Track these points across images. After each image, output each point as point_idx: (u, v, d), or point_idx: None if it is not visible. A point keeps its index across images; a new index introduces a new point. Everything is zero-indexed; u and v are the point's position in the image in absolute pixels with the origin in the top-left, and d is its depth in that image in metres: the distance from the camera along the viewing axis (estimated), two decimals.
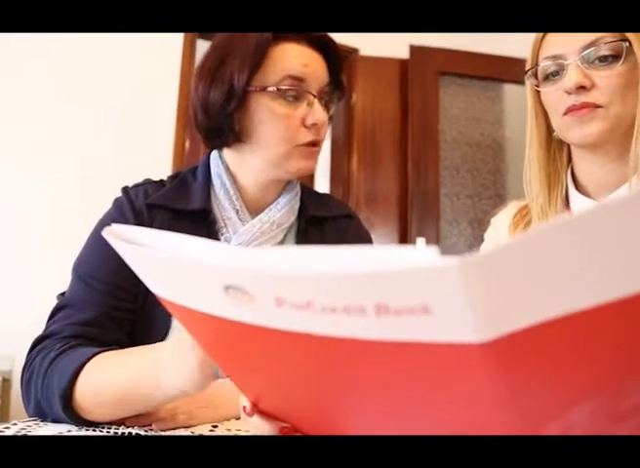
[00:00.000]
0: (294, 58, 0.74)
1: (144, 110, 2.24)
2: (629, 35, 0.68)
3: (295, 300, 0.23)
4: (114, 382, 0.57)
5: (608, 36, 0.69)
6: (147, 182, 0.82)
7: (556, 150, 0.81)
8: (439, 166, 2.55)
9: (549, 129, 0.80)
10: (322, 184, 2.78)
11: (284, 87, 0.73)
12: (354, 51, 2.63)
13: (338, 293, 0.21)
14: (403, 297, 0.21)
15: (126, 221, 0.76)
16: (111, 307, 0.70)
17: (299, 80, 0.73)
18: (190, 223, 0.78)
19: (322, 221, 0.85)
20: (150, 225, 0.77)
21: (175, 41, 2.32)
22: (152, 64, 2.28)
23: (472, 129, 2.63)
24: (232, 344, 0.32)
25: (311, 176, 2.84)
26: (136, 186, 0.81)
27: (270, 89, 0.73)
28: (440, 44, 2.60)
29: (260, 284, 0.23)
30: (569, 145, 0.80)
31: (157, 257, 0.28)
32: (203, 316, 0.30)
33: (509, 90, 2.76)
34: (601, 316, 0.24)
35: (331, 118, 0.82)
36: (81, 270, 0.73)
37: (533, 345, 0.24)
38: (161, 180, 0.84)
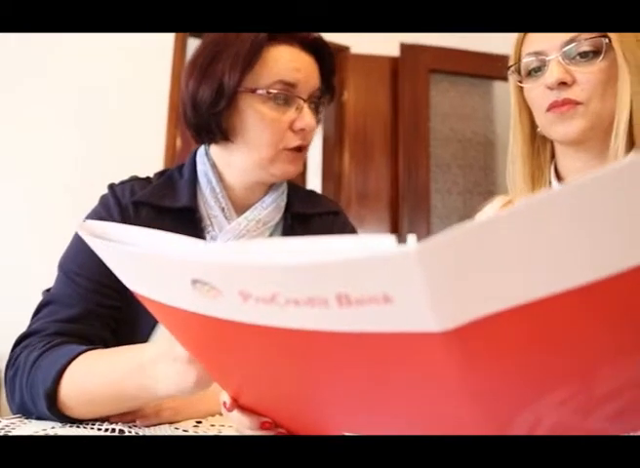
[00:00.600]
0: (287, 63, 0.73)
1: (136, 108, 2.24)
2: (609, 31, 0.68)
3: (259, 293, 0.23)
4: (101, 382, 0.57)
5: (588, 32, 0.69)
6: (134, 179, 0.82)
7: (540, 146, 0.82)
8: (430, 163, 2.56)
9: (533, 125, 0.80)
10: (314, 182, 2.78)
11: (274, 91, 0.73)
12: (345, 49, 2.63)
13: (300, 285, 0.22)
14: (363, 287, 0.21)
15: (112, 218, 0.77)
16: (96, 304, 0.70)
17: (290, 85, 0.73)
18: (176, 221, 0.78)
19: (308, 218, 0.85)
20: (136, 222, 0.77)
21: (166, 39, 2.32)
22: (144, 62, 2.28)
23: (463, 126, 2.64)
24: (206, 339, 0.32)
25: (303, 174, 2.84)
26: (122, 183, 0.81)
27: (260, 91, 0.73)
28: (430, 42, 2.60)
29: (225, 277, 0.23)
30: (552, 141, 0.81)
31: (127, 252, 0.28)
32: (176, 311, 0.30)
33: (499, 87, 2.77)
34: (568, 302, 0.24)
35: (319, 121, 0.82)
36: (67, 267, 0.73)
37: (497, 333, 0.24)
38: (147, 178, 0.84)
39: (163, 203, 0.78)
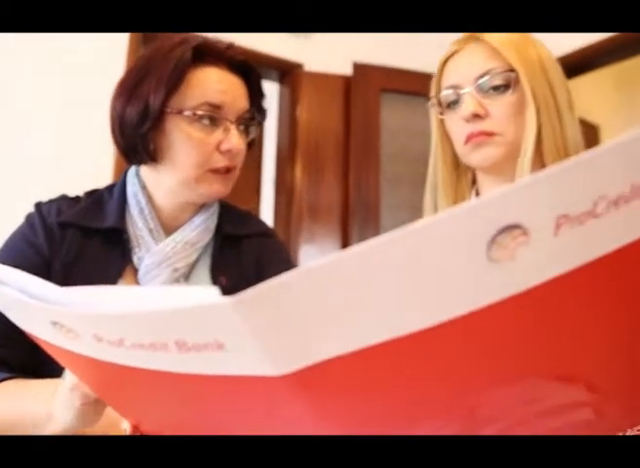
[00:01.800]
0: (213, 84, 0.74)
1: (86, 115, 2.19)
2: (516, 66, 0.72)
3: (109, 337, 0.24)
4: (7, 416, 0.57)
5: (498, 67, 0.73)
6: (62, 198, 0.82)
7: (462, 174, 0.85)
8: (380, 178, 2.61)
9: (455, 154, 0.83)
10: (268, 196, 2.80)
11: (200, 112, 0.73)
12: (299, 66, 2.67)
13: (141, 331, 0.23)
14: (196, 334, 0.22)
15: (36, 238, 0.76)
16: (6, 325, 0.69)
17: (216, 107, 0.74)
18: (104, 242, 0.77)
19: (238, 240, 0.85)
20: (62, 243, 0.76)
21: (119, 42, 2.28)
22: (95, 68, 2.23)
23: (412, 143, 2.70)
24: (83, 372, 0.33)
25: (258, 187, 2.85)
26: (49, 202, 0.80)
27: (186, 113, 0.73)
28: (382, 62, 2.67)
29: (78, 322, 0.25)
30: (474, 169, 0.84)
31: None
32: (52, 346, 0.31)
33: None
34: (410, 345, 0.25)
35: (252, 142, 0.82)
36: None
37: (340, 376, 0.25)
38: (76, 197, 0.83)
39: (90, 224, 0.77)
